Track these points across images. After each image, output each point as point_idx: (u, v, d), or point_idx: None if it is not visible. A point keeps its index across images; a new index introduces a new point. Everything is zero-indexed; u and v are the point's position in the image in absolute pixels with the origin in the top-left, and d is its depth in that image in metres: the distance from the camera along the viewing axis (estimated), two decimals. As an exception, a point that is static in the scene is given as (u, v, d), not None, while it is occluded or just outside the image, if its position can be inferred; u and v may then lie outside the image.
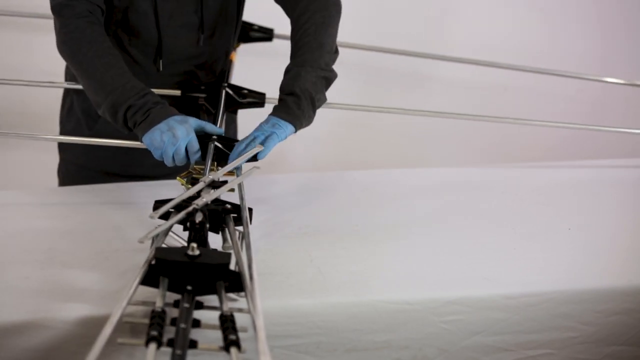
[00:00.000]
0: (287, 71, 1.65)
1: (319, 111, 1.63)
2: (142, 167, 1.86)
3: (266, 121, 1.59)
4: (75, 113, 1.87)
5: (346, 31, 1.81)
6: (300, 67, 1.62)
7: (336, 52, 1.70)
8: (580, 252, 1.60)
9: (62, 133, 1.93)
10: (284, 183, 1.89)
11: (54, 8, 1.64)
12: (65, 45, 1.63)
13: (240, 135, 1.92)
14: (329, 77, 1.65)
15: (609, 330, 1.47)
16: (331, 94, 1.68)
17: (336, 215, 1.71)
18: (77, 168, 1.93)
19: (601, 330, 1.47)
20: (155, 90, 1.67)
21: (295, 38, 1.68)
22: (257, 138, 1.56)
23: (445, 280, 1.46)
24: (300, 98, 1.59)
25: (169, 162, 1.55)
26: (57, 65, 1.86)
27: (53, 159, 2.01)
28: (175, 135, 1.52)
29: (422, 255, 1.55)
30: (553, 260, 1.55)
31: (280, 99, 1.63)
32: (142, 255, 1.33)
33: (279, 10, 1.78)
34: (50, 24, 1.68)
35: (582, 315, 1.45)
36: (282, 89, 1.63)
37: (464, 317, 1.41)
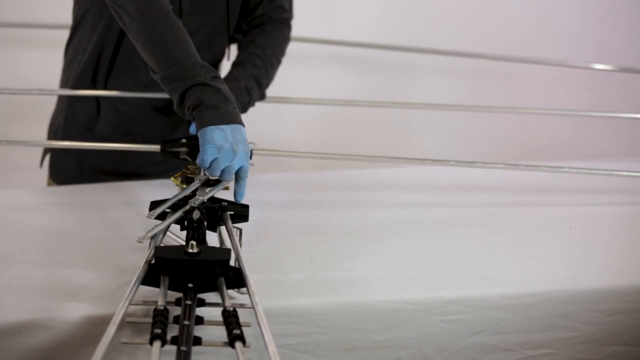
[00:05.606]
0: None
1: (323, 108, 1.63)
2: (137, 165, 1.86)
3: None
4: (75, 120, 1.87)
5: (346, 27, 1.81)
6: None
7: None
8: (580, 252, 1.60)
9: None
10: (283, 182, 1.89)
11: None
12: (142, 9, 1.49)
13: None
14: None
15: (610, 330, 1.47)
16: (335, 90, 1.67)
17: (336, 214, 1.71)
18: (72, 166, 1.92)
19: (602, 330, 1.46)
20: (150, 94, 1.69)
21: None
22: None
23: (445, 280, 1.46)
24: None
25: (216, 172, 1.40)
26: (45, 75, 1.85)
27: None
28: (235, 151, 1.40)
29: (422, 254, 1.55)
30: (553, 260, 1.55)
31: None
32: (140, 255, 1.32)
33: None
34: (31, 36, 1.65)
35: (582, 315, 1.45)
36: None
37: (464, 316, 1.41)
